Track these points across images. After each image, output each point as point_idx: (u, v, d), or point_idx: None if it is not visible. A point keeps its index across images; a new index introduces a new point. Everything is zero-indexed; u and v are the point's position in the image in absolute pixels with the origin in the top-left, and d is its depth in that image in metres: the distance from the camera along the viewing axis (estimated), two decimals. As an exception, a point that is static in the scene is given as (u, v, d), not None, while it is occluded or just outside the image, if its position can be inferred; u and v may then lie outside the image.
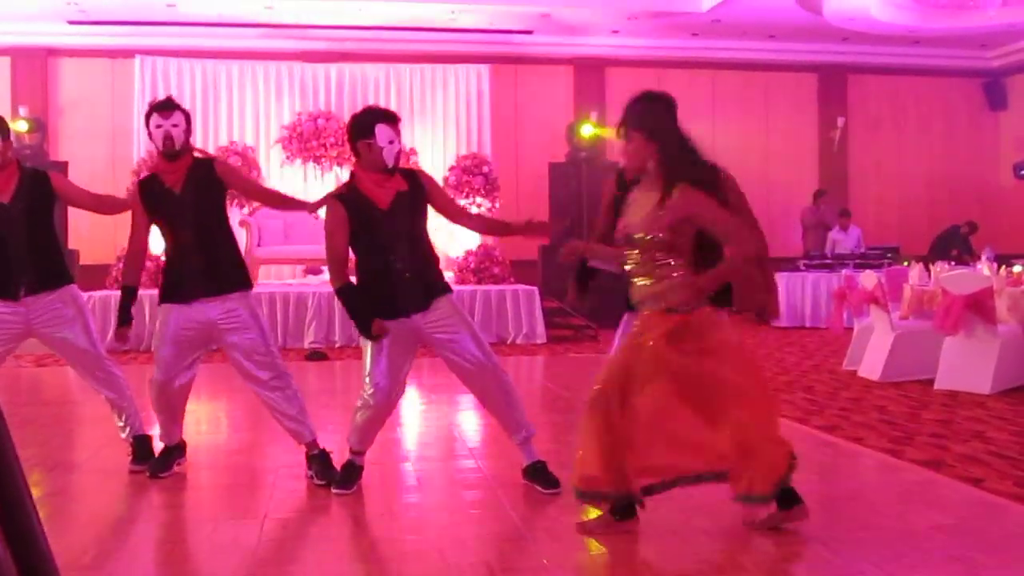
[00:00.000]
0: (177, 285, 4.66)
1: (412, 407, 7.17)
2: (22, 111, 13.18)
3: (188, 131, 4.76)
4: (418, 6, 12.85)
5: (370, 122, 4.31)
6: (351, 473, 4.50)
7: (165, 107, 4.72)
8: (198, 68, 13.39)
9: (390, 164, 4.32)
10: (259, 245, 11.98)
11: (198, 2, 12.40)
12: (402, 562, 3.53)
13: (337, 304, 10.80)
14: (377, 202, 4.30)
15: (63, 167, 11.79)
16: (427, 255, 4.45)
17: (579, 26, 13.93)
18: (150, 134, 4.70)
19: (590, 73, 14.86)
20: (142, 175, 4.83)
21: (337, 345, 10.80)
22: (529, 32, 14.02)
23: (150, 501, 4.52)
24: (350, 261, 4.42)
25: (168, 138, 4.66)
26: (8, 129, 4.75)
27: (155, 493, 4.60)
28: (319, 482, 4.60)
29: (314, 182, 13.06)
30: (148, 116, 4.72)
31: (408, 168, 4.63)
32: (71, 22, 13.07)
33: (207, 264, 4.65)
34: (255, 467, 4.86)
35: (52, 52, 13.77)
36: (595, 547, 3.68)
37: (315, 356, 10.07)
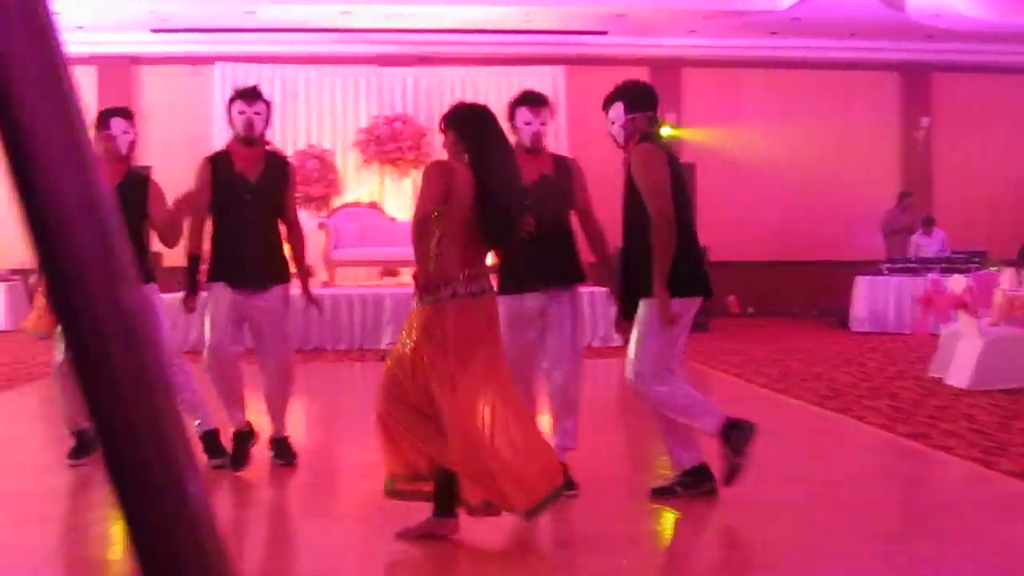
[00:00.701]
0: (227, 265, 4.80)
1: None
2: (108, 118, 13.51)
3: (267, 122, 4.99)
4: (492, 9, 12.88)
5: (512, 105, 4.60)
6: None
7: (250, 95, 4.96)
8: (277, 73, 13.58)
9: (527, 144, 4.49)
10: (336, 247, 12.08)
11: (277, 8, 12.60)
12: (478, 562, 3.51)
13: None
14: None
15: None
16: (567, 240, 4.52)
17: (654, 26, 13.80)
18: (230, 119, 4.94)
19: (666, 73, 14.70)
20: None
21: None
22: (604, 32, 13.94)
23: (228, 499, 4.57)
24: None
25: (250, 124, 4.89)
26: (105, 123, 4.90)
27: (233, 491, 4.65)
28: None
29: (390, 185, 13.16)
30: (232, 101, 4.94)
31: (561, 156, 4.85)
32: (153, 30, 13.38)
33: (261, 254, 4.84)
34: (333, 466, 4.89)
35: (135, 60, 14.10)
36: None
37: (390, 357, 10.11)
